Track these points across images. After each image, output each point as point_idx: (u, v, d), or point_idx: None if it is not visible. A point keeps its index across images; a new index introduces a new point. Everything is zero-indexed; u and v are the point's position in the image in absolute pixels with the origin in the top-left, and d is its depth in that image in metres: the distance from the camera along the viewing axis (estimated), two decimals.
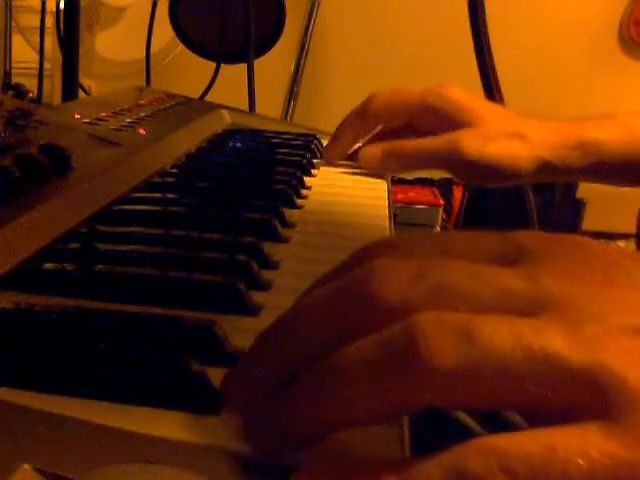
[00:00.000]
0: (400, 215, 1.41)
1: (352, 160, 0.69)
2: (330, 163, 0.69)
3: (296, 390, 0.22)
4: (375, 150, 0.64)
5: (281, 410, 0.22)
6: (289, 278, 0.38)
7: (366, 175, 0.66)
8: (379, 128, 0.69)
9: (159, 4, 1.37)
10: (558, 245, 0.24)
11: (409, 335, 0.20)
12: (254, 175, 0.61)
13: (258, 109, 1.28)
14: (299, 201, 0.54)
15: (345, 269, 0.25)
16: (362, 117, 0.66)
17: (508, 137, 0.61)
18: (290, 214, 0.49)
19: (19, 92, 1.67)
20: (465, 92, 0.64)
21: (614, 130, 0.61)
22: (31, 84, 1.66)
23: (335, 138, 0.69)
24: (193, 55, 1.39)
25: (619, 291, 0.22)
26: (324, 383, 0.21)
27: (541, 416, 0.19)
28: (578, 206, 2.75)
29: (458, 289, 0.22)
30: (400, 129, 0.67)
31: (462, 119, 0.62)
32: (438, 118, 0.63)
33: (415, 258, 0.23)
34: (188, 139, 0.69)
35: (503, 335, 0.19)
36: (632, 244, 2.47)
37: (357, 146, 0.69)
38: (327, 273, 0.27)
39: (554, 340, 0.19)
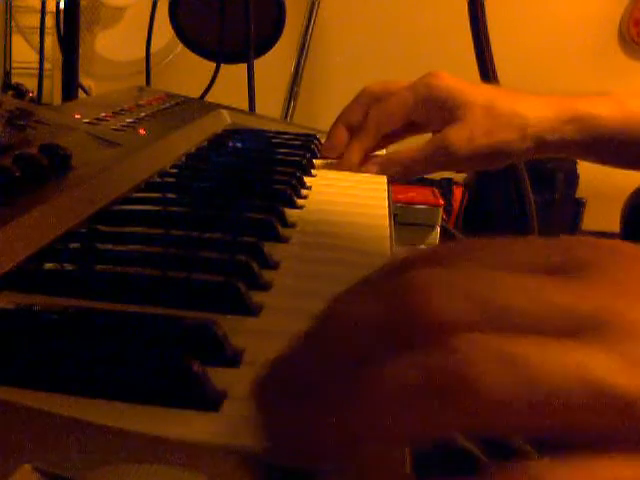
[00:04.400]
0: (400, 215, 1.41)
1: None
2: (331, 165, 0.70)
3: (329, 396, 0.20)
4: (371, 168, 0.66)
5: (310, 414, 0.21)
6: (289, 278, 0.38)
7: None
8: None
9: (159, 4, 1.37)
10: (614, 256, 0.22)
11: (456, 362, 0.18)
12: (254, 175, 0.61)
13: (258, 109, 1.28)
14: (299, 201, 0.54)
15: (381, 280, 0.23)
16: (364, 131, 0.67)
17: (498, 120, 0.62)
18: (290, 214, 0.49)
19: (19, 92, 1.68)
20: (455, 79, 0.65)
21: (608, 106, 0.62)
22: (31, 84, 1.66)
23: (334, 144, 0.70)
24: (193, 55, 1.39)
25: None
26: (358, 399, 0.19)
27: (569, 441, 0.18)
28: (578, 206, 2.75)
29: (507, 306, 0.20)
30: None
31: (449, 109, 0.63)
32: (432, 106, 0.65)
33: (462, 269, 0.22)
34: (188, 139, 0.69)
35: (555, 363, 0.18)
36: None
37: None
38: (358, 282, 0.24)
39: (605, 365, 0.18)
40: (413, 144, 0.68)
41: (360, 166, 0.68)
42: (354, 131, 0.69)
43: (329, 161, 0.70)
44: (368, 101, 0.68)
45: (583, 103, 0.63)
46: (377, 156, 0.70)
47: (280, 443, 0.21)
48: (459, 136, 0.63)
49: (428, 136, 0.68)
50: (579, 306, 0.20)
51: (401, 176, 0.67)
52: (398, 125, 0.67)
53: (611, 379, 0.18)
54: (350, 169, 0.68)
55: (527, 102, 0.63)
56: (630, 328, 0.19)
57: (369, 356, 0.20)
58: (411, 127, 0.69)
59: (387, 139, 0.70)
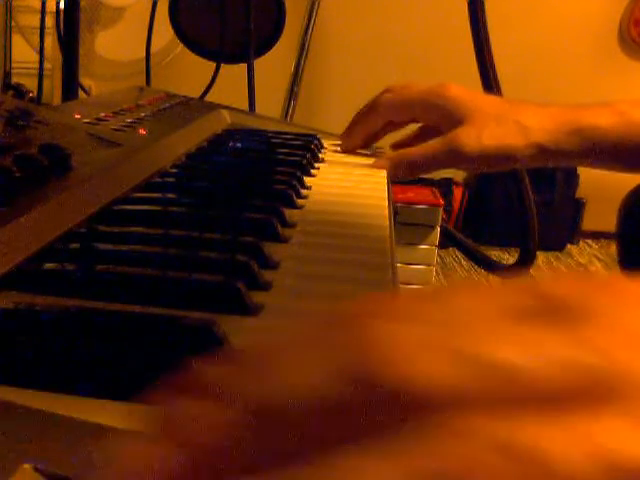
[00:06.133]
0: (400, 215, 1.41)
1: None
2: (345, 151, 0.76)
3: None
4: (383, 163, 0.69)
5: None
6: (289, 278, 0.38)
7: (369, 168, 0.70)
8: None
9: (159, 4, 1.37)
10: (614, 295, 0.17)
11: (459, 467, 0.13)
12: (254, 175, 0.61)
13: (258, 109, 1.28)
14: (299, 201, 0.54)
15: (327, 334, 0.16)
16: (370, 114, 0.72)
17: (505, 127, 0.65)
18: (290, 214, 0.49)
19: (19, 92, 1.68)
20: (463, 89, 0.69)
21: (608, 116, 0.64)
22: (31, 84, 1.66)
23: (348, 130, 0.75)
24: (193, 55, 1.39)
25: None
26: None
27: None
28: (578, 206, 2.76)
29: (511, 366, 0.15)
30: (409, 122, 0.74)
31: (460, 114, 0.66)
32: (439, 115, 0.68)
33: (439, 323, 0.16)
34: (188, 139, 0.69)
35: (571, 451, 0.14)
36: None
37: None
38: (295, 338, 0.17)
39: (629, 447, 0.14)
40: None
41: (360, 149, 0.75)
42: (361, 115, 0.74)
43: (337, 142, 0.77)
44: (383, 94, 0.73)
45: (584, 114, 0.64)
46: (384, 151, 0.74)
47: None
48: (469, 136, 0.65)
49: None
50: (589, 361, 0.15)
51: (410, 173, 0.70)
52: (404, 117, 0.72)
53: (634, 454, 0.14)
54: (354, 149, 0.75)
55: (530, 113, 0.66)
56: None
57: (326, 445, 0.14)
58: (427, 130, 0.73)
59: (393, 127, 0.74)
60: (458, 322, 0.16)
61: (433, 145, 0.67)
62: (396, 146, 0.76)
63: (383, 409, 0.15)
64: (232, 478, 0.15)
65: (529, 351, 0.15)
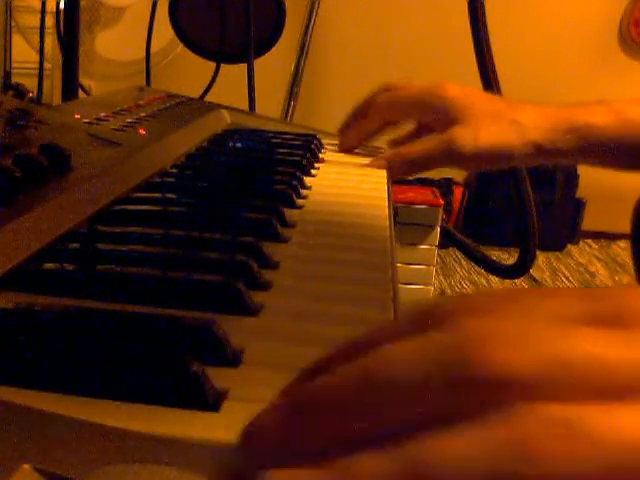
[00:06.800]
0: (400, 215, 1.41)
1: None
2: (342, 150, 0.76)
3: (368, 472, 0.17)
4: (380, 162, 0.69)
5: None
6: (289, 278, 0.38)
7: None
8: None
9: (159, 4, 1.37)
10: None
11: (521, 446, 0.16)
12: (254, 175, 0.61)
13: (258, 109, 1.28)
14: (299, 201, 0.54)
15: (417, 326, 0.20)
16: (366, 112, 0.73)
17: (501, 125, 0.65)
18: (290, 214, 0.49)
19: (19, 92, 1.68)
20: (460, 88, 0.69)
21: (605, 115, 0.64)
22: (31, 84, 1.66)
23: (344, 129, 0.76)
24: (193, 55, 1.39)
25: None
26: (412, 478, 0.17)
27: None
28: (578, 206, 2.75)
29: (587, 363, 0.17)
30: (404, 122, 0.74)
31: (456, 114, 0.67)
32: (435, 115, 0.69)
33: (519, 320, 0.19)
34: (188, 139, 0.69)
35: (620, 433, 0.16)
36: None
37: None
38: (388, 326, 0.21)
39: None
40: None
41: (357, 148, 0.75)
42: (358, 115, 0.74)
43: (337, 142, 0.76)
44: (380, 92, 0.73)
45: (580, 113, 0.65)
46: (384, 151, 0.74)
47: None
48: (465, 135, 0.65)
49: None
50: None
51: (406, 172, 0.70)
52: (400, 117, 0.72)
53: None
54: (350, 148, 0.75)
55: (526, 112, 0.66)
56: None
57: (412, 423, 0.17)
58: (423, 128, 0.73)
59: (388, 127, 0.74)
60: (538, 320, 0.19)
61: (430, 144, 0.67)
62: (394, 143, 0.76)
63: (476, 395, 0.17)
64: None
65: (602, 350, 0.17)
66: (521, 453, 0.16)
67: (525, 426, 0.16)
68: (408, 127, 0.76)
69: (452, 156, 0.66)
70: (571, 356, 0.17)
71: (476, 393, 0.17)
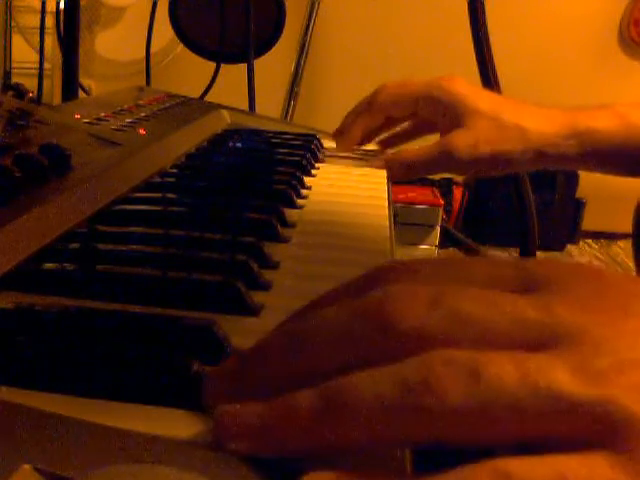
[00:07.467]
0: (400, 215, 1.41)
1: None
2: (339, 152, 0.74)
3: (299, 406, 0.21)
4: (379, 163, 0.69)
5: (277, 414, 0.21)
6: (289, 278, 0.38)
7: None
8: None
9: (159, 4, 1.37)
10: (574, 275, 0.24)
11: (422, 375, 0.20)
12: (254, 175, 0.61)
13: (258, 109, 1.28)
14: (299, 201, 0.54)
15: (357, 289, 0.25)
16: (369, 109, 0.71)
17: (503, 131, 0.65)
18: (290, 214, 0.49)
19: (19, 92, 1.67)
20: (467, 85, 0.68)
21: (608, 119, 0.63)
22: (31, 84, 1.66)
23: (343, 129, 0.73)
24: (193, 55, 1.39)
25: (634, 324, 0.21)
26: (332, 408, 0.21)
27: (548, 448, 0.20)
28: (578, 206, 2.75)
29: (473, 318, 0.22)
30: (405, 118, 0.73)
31: (459, 113, 0.66)
32: (440, 108, 0.67)
33: (431, 284, 0.23)
34: (188, 139, 0.69)
35: (510, 373, 0.20)
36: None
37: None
38: (336, 290, 0.26)
39: (560, 376, 0.20)
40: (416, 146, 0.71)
41: (360, 144, 0.73)
42: (358, 112, 0.72)
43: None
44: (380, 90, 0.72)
45: (584, 117, 0.64)
46: (384, 153, 0.73)
47: (236, 433, 0.22)
48: (463, 141, 0.65)
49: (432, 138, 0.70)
50: (544, 320, 0.21)
51: (404, 174, 0.69)
52: (405, 112, 0.70)
53: (568, 388, 0.19)
54: (351, 145, 0.72)
55: (530, 116, 0.65)
56: (592, 342, 0.21)
57: (340, 366, 0.22)
58: (419, 127, 0.73)
59: (392, 123, 0.73)
60: (453, 286, 0.23)
61: (428, 150, 0.67)
62: (383, 143, 0.75)
63: (392, 343, 0.22)
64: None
65: (500, 309, 0.22)
66: (427, 387, 0.20)
67: (433, 366, 0.20)
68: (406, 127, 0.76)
69: (450, 161, 0.66)
70: (470, 313, 0.22)
71: (392, 342, 0.22)
